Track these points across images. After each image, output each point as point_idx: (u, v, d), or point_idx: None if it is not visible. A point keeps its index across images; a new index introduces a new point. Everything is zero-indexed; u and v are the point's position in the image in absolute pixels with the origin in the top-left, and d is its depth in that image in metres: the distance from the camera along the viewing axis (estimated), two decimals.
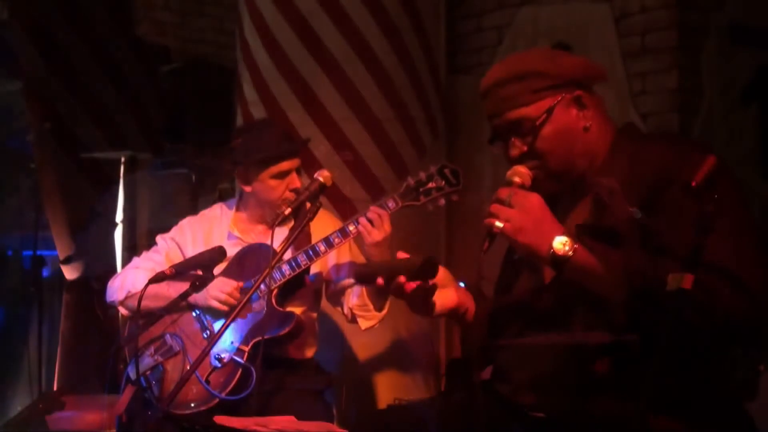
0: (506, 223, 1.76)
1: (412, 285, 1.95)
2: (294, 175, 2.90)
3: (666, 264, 1.59)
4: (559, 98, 1.85)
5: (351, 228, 2.76)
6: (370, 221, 2.70)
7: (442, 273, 2.05)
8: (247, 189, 2.95)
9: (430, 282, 1.97)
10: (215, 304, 2.76)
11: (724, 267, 1.60)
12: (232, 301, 2.75)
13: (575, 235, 1.76)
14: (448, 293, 2.07)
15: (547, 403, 1.86)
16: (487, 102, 1.92)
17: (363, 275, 2.12)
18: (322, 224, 2.90)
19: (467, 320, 2.12)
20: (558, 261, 1.73)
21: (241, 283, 2.80)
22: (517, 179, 1.85)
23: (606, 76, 1.95)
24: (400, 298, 2.01)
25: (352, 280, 2.96)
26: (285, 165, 2.88)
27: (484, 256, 1.80)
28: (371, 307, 2.86)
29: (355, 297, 2.90)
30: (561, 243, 1.73)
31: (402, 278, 1.94)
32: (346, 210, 3.63)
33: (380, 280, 1.98)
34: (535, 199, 1.79)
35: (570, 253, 1.72)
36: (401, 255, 2.05)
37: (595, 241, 1.76)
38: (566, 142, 1.86)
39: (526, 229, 1.75)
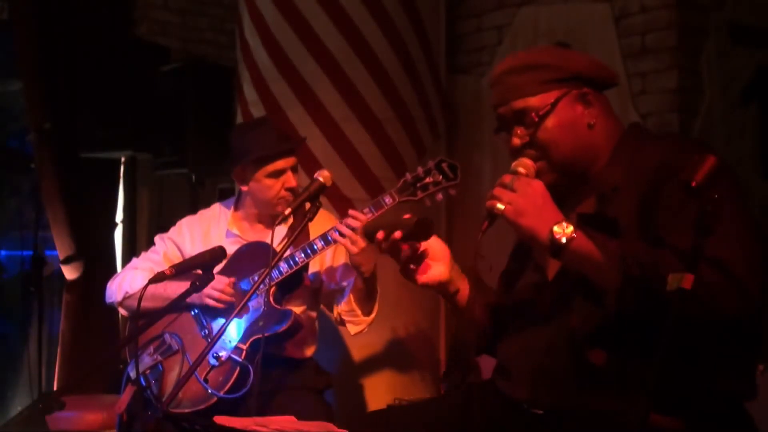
0: (508, 205, 1.78)
1: (406, 245, 2.05)
2: (290, 173, 2.90)
3: (664, 255, 1.61)
4: (565, 92, 1.88)
5: (333, 235, 2.75)
6: (349, 238, 2.68)
7: (440, 247, 2.12)
8: (244, 188, 2.95)
9: (423, 246, 2.07)
10: (209, 301, 2.77)
11: (719, 260, 1.61)
12: (225, 297, 2.76)
13: (576, 223, 1.78)
14: (439, 267, 2.11)
15: (545, 398, 1.87)
16: (494, 91, 1.96)
17: (367, 231, 2.22)
18: (322, 224, 2.90)
19: (459, 302, 2.15)
20: (557, 246, 1.74)
21: (233, 279, 2.80)
22: (521, 170, 1.87)
23: (617, 81, 1.99)
24: (393, 257, 2.09)
25: (345, 284, 2.96)
26: (280, 164, 2.88)
27: (482, 236, 1.83)
28: (358, 312, 2.87)
29: (342, 303, 2.90)
30: (561, 228, 1.74)
31: (398, 233, 2.03)
32: (346, 209, 3.62)
33: (380, 234, 2.07)
34: (537, 185, 1.81)
35: (569, 238, 1.73)
36: (406, 216, 2.13)
37: (595, 230, 1.77)
38: (568, 135, 1.89)
39: (527, 213, 1.77)
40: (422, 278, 2.09)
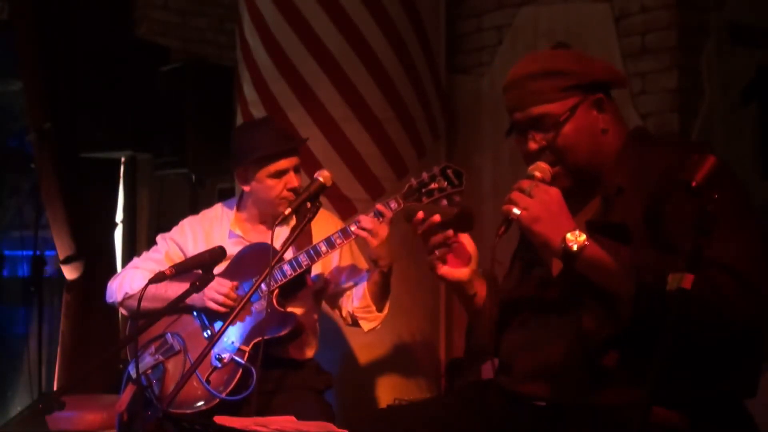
0: (524, 211, 1.80)
1: (440, 232, 2.04)
2: (292, 174, 2.90)
3: (675, 261, 1.60)
4: (583, 98, 1.90)
5: (353, 228, 2.76)
6: (368, 230, 2.70)
7: (470, 247, 2.10)
8: (246, 188, 2.95)
9: (460, 237, 2.06)
10: (211, 305, 2.77)
11: (729, 265, 1.62)
12: (228, 302, 2.76)
13: (586, 231, 1.79)
14: (463, 269, 2.10)
15: (551, 392, 1.88)
16: (510, 95, 1.96)
17: (409, 210, 2.18)
18: (323, 224, 2.90)
19: (475, 305, 2.15)
20: (569, 254, 1.76)
21: (236, 283, 2.80)
22: (538, 174, 1.88)
23: (626, 84, 2.01)
24: (424, 240, 2.08)
25: (351, 284, 2.97)
26: (282, 164, 2.88)
27: (498, 240, 1.83)
28: (374, 308, 2.88)
29: (357, 300, 2.90)
30: (573, 237, 1.75)
31: (437, 217, 2.02)
32: (346, 209, 3.64)
33: (420, 214, 2.06)
34: (554, 193, 1.82)
35: (582, 247, 1.75)
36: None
37: (604, 237, 1.78)
38: (585, 141, 1.90)
39: (542, 220, 1.79)
40: (443, 270, 2.08)
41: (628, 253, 1.73)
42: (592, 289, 1.78)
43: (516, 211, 1.80)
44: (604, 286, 1.76)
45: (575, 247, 1.74)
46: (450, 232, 2.05)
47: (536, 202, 1.80)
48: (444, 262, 2.08)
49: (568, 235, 1.75)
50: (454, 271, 2.09)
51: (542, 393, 1.89)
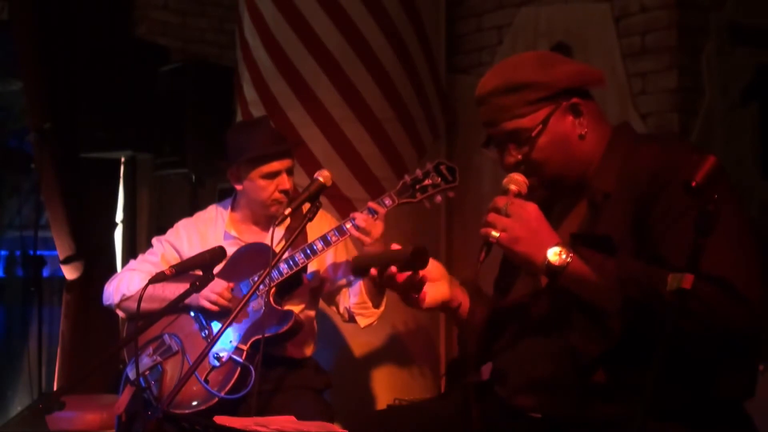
0: (502, 232, 1.76)
1: (403, 276, 1.96)
2: (284, 176, 2.90)
3: (660, 273, 1.58)
4: (554, 107, 1.85)
5: (348, 226, 2.77)
6: (362, 229, 2.71)
7: (435, 267, 2.05)
8: (239, 187, 2.97)
9: (420, 273, 1.97)
10: (206, 304, 2.77)
11: (721, 276, 1.60)
12: (222, 301, 2.76)
13: (570, 245, 1.76)
14: (440, 287, 2.05)
15: (545, 406, 1.86)
16: (482, 110, 1.93)
17: (358, 267, 2.11)
18: (317, 222, 2.90)
19: (461, 316, 2.11)
20: (553, 271, 1.73)
21: (231, 284, 2.80)
22: (513, 187, 1.84)
23: (604, 81, 1.93)
24: (392, 290, 2.02)
25: (349, 280, 2.97)
26: (275, 165, 2.88)
27: (480, 266, 1.79)
28: (370, 304, 2.88)
29: (353, 296, 2.91)
30: (556, 253, 1.73)
31: (393, 268, 1.94)
32: (345, 209, 3.63)
33: (373, 271, 1.98)
34: (531, 209, 1.78)
35: (565, 263, 1.72)
36: (395, 246, 2.05)
37: (589, 249, 1.75)
38: (562, 151, 1.86)
39: (522, 239, 1.75)
40: (426, 303, 2.02)
41: (613, 266, 1.70)
42: (579, 302, 1.75)
43: (494, 233, 1.76)
44: (590, 300, 1.73)
45: (558, 264, 1.72)
46: (418, 274, 1.96)
47: (514, 221, 1.76)
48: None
49: (550, 254, 1.73)
50: (435, 296, 2.03)
51: (536, 406, 1.88)
